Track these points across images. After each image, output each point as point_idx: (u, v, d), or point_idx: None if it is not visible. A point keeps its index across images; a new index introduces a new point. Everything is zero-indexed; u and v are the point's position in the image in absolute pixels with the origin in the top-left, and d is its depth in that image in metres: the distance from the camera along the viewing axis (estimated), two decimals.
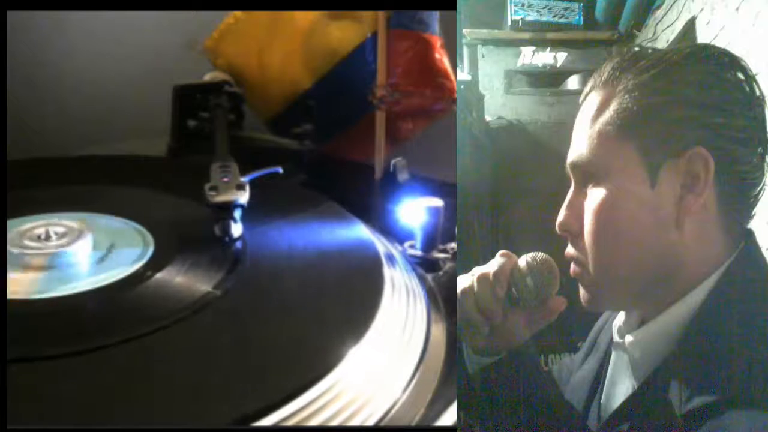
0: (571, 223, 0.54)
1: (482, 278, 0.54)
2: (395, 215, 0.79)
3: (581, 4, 1.81)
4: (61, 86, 1.18)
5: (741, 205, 0.52)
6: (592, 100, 0.54)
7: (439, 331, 0.63)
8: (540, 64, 1.77)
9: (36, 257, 0.62)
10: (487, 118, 1.69)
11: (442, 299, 0.69)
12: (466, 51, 1.74)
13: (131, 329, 0.53)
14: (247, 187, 0.71)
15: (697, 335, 0.49)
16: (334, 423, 0.50)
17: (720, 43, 1.30)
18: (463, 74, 1.66)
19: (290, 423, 0.48)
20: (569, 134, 0.56)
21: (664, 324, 0.51)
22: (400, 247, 0.78)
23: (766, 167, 0.52)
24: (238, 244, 0.68)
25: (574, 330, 0.71)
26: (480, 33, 1.76)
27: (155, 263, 0.64)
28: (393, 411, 0.53)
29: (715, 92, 0.50)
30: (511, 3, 1.79)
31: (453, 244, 0.77)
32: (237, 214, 0.69)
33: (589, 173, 0.53)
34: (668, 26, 1.68)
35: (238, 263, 0.65)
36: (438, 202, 0.76)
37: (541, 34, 1.78)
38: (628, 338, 0.54)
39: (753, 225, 0.53)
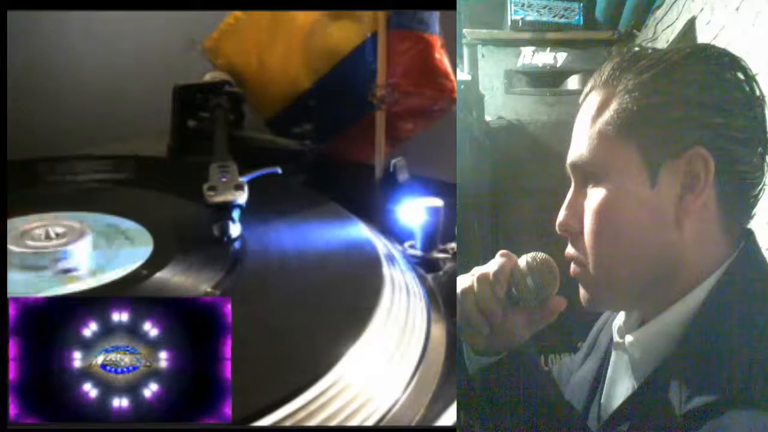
0: (571, 223, 0.54)
1: (482, 278, 0.54)
2: (395, 215, 0.79)
3: (581, 4, 1.80)
4: (61, 86, 1.17)
5: (741, 205, 0.52)
6: (592, 100, 0.54)
7: (439, 331, 0.63)
8: (540, 64, 1.76)
9: (36, 257, 0.62)
10: (487, 118, 1.69)
11: (442, 299, 0.69)
12: (466, 51, 1.74)
13: None
14: (246, 187, 0.71)
15: (697, 335, 0.49)
16: (334, 422, 0.50)
17: (720, 43, 1.29)
18: (463, 74, 1.66)
19: (290, 422, 0.48)
20: (569, 134, 0.56)
21: (664, 324, 0.51)
22: (400, 247, 0.78)
23: (766, 167, 0.52)
24: (238, 244, 0.68)
25: (574, 330, 0.71)
26: (480, 33, 1.76)
27: (154, 263, 0.64)
28: (393, 411, 0.53)
29: (715, 92, 0.50)
30: (511, 3, 1.78)
31: (453, 244, 0.77)
32: (235, 214, 0.69)
33: (589, 173, 0.53)
34: (668, 26, 1.68)
35: (238, 263, 0.65)
36: (438, 202, 0.76)
37: (541, 34, 1.78)
38: (628, 338, 0.54)
39: (753, 225, 0.54)
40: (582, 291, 0.55)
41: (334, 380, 0.51)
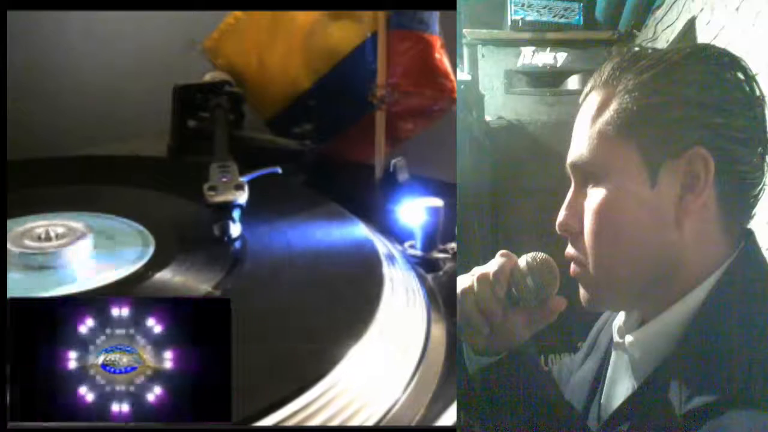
0: (571, 223, 0.54)
1: (482, 278, 0.54)
2: (395, 215, 0.79)
3: (581, 4, 1.80)
4: (61, 86, 1.17)
5: (741, 205, 0.52)
6: (592, 100, 0.54)
7: (439, 331, 0.63)
8: (540, 64, 1.76)
9: (36, 257, 0.62)
10: (487, 118, 1.69)
11: (442, 299, 0.69)
12: (466, 51, 1.74)
13: None
14: (246, 187, 0.71)
15: (697, 335, 0.49)
16: (334, 423, 0.50)
17: (720, 43, 1.29)
18: (463, 74, 1.65)
19: (290, 423, 0.48)
20: (569, 134, 0.56)
21: (664, 324, 0.51)
22: (400, 247, 0.78)
23: (766, 167, 0.52)
24: (238, 244, 0.69)
25: (574, 330, 0.71)
26: (480, 33, 1.76)
27: (155, 263, 0.64)
28: (393, 411, 0.53)
29: (715, 92, 0.50)
30: (511, 3, 1.78)
31: (453, 244, 0.77)
32: (236, 214, 0.69)
33: (589, 173, 0.53)
34: (668, 26, 1.68)
35: (238, 263, 0.65)
36: (438, 202, 0.76)
37: (541, 34, 1.78)
38: (628, 338, 0.54)
39: (753, 225, 0.54)
40: (582, 291, 0.55)
41: (334, 380, 0.51)
